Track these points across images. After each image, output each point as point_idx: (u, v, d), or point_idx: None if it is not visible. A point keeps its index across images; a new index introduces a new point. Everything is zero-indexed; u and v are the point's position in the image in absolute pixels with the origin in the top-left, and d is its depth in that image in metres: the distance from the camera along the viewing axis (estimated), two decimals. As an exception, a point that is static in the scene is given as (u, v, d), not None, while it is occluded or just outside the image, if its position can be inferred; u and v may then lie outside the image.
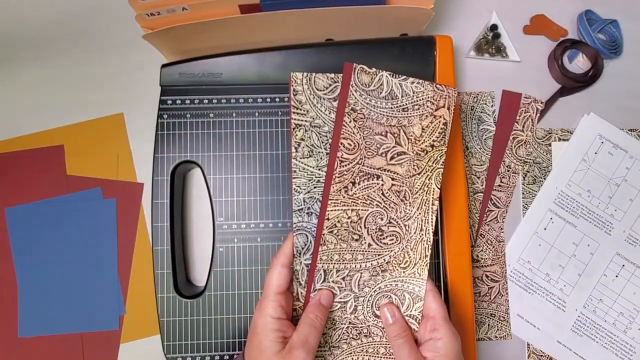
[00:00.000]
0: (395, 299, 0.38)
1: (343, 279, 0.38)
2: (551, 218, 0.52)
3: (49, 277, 0.49)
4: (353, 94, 0.37)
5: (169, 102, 0.46)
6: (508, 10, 0.55)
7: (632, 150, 0.53)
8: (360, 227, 0.38)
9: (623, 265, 0.51)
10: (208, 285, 0.44)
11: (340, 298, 0.38)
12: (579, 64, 0.55)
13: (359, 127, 0.37)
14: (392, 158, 0.38)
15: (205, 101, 0.46)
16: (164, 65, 0.46)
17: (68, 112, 0.51)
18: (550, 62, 0.55)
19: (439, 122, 0.38)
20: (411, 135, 0.38)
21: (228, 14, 0.42)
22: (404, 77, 0.38)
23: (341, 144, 0.37)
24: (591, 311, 0.51)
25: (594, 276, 0.51)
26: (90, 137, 0.51)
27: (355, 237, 0.38)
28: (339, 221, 0.37)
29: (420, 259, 0.39)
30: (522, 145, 0.53)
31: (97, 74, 0.52)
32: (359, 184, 0.37)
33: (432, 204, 0.39)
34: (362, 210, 0.38)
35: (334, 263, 0.37)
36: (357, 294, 0.38)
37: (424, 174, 0.38)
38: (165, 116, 0.46)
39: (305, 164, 0.37)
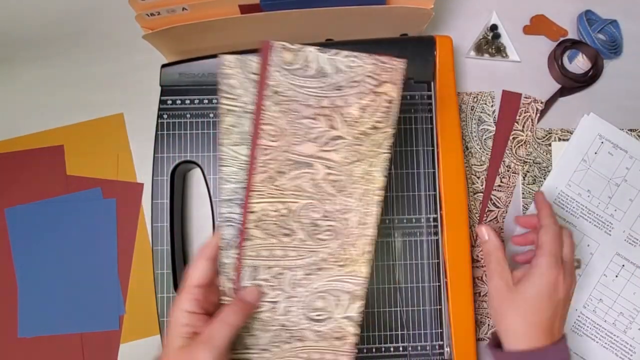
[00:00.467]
0: (332, 300, 0.36)
1: (274, 277, 0.35)
2: (551, 218, 0.52)
3: (49, 277, 0.49)
4: (274, 75, 0.33)
5: (169, 102, 0.46)
6: (508, 10, 0.55)
7: (632, 150, 0.53)
8: (292, 221, 0.34)
9: (623, 265, 0.51)
10: (208, 285, 0.44)
11: (271, 298, 0.35)
12: (579, 64, 0.55)
13: (283, 111, 0.33)
14: (325, 144, 0.34)
15: (205, 101, 0.46)
16: (164, 65, 0.46)
17: (68, 112, 0.51)
18: (550, 62, 0.55)
19: (382, 99, 0.34)
20: (348, 117, 0.34)
21: (228, 14, 0.42)
22: (336, 51, 0.33)
23: (262, 129, 0.33)
24: (591, 311, 0.51)
25: (593, 276, 0.51)
26: (90, 137, 0.51)
27: (286, 232, 0.34)
28: (265, 214, 0.34)
29: (361, 255, 0.36)
30: (522, 145, 0.53)
31: (97, 74, 0.52)
32: (287, 173, 0.34)
33: (375, 194, 0.35)
34: (292, 202, 0.34)
35: (263, 259, 0.34)
36: (289, 294, 0.35)
37: (365, 160, 0.34)
38: (165, 116, 0.46)
39: (235, 152, 0.34)
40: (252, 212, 0.34)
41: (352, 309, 0.36)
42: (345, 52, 0.33)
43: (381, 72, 0.34)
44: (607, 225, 0.52)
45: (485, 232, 0.41)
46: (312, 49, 0.33)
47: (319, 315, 0.36)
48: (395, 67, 0.34)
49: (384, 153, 0.35)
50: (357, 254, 0.36)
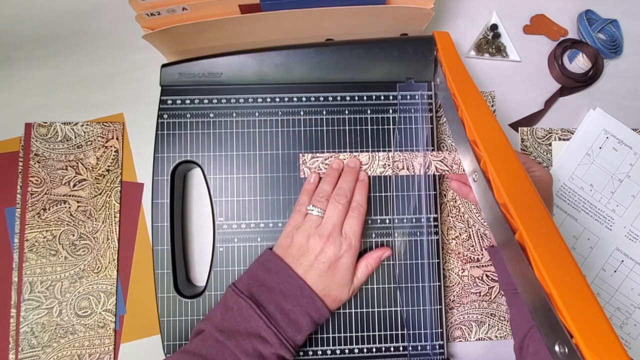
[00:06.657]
0: (93, 299, 0.47)
1: (47, 288, 0.47)
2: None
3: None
4: (34, 143, 0.48)
5: (169, 102, 0.46)
6: (508, 10, 0.55)
7: (636, 146, 0.53)
8: (56, 244, 0.47)
9: (622, 261, 0.51)
10: (208, 285, 0.44)
11: (47, 305, 0.46)
12: (579, 63, 0.55)
13: (43, 167, 0.48)
14: (74, 185, 0.48)
15: (205, 101, 0.46)
16: (164, 65, 0.46)
17: (68, 112, 0.51)
18: (550, 62, 0.55)
19: (111, 151, 0.49)
20: (88, 166, 0.48)
21: (228, 14, 0.42)
22: (75, 122, 0.49)
23: (30, 181, 0.48)
24: (589, 306, 0.51)
25: (592, 270, 0.51)
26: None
27: (53, 252, 0.47)
28: (36, 241, 0.47)
29: (109, 262, 0.48)
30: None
31: (97, 74, 0.52)
32: (49, 209, 0.47)
33: (115, 217, 0.48)
34: (55, 230, 0.47)
35: (37, 276, 0.47)
36: (60, 299, 0.47)
37: (104, 193, 0.48)
38: (165, 116, 0.46)
39: None
40: (27, 240, 0.47)
41: (108, 303, 0.47)
42: (81, 122, 0.48)
43: (107, 133, 0.48)
44: (608, 220, 0.52)
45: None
46: (59, 123, 0.48)
47: (84, 312, 0.47)
48: (117, 128, 0.48)
49: (116, 187, 0.48)
50: (106, 262, 0.48)
